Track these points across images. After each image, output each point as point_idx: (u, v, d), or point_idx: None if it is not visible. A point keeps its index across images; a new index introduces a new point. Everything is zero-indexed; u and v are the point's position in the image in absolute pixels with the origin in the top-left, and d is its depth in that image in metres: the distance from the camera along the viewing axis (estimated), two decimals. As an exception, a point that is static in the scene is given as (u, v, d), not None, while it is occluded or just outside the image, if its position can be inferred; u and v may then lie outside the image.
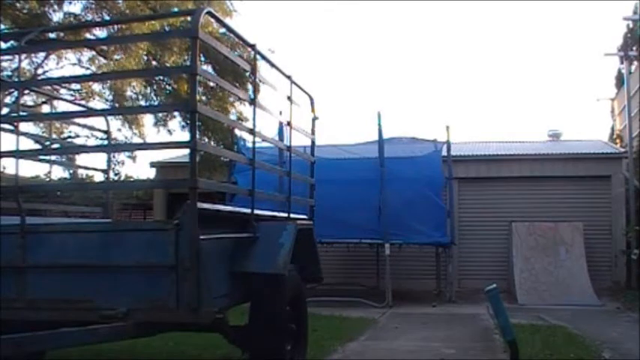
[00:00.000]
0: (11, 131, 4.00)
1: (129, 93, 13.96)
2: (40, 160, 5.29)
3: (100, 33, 11.74)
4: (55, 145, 8.90)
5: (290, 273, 4.25)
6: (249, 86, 9.71)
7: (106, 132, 5.62)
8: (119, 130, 15.08)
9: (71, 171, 16.88)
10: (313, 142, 5.78)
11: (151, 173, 15.96)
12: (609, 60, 27.66)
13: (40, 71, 14.37)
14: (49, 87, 8.15)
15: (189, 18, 3.61)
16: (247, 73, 8.53)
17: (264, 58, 4.27)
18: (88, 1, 12.81)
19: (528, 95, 45.33)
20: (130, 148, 16.62)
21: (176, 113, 13.75)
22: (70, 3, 13.04)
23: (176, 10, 12.18)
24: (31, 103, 12.51)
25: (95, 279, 3.47)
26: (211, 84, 12.19)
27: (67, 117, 6.28)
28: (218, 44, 3.87)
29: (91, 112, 5.89)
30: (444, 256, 11.59)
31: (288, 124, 4.87)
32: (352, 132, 39.09)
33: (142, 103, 14.19)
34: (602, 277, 12.08)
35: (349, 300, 10.08)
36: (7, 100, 9.88)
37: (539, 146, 15.12)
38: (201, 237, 3.27)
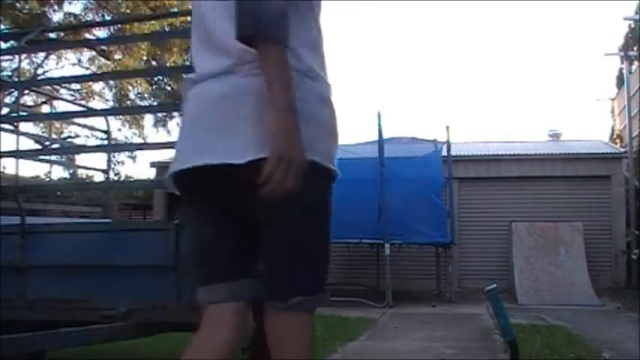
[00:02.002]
0: (11, 131, 4.00)
1: (132, 94, 14.00)
2: (40, 160, 5.29)
3: (100, 33, 11.76)
4: (55, 145, 8.92)
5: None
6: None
7: (106, 132, 5.62)
8: (119, 130, 15.11)
9: (71, 171, 16.90)
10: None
11: (151, 173, 15.97)
12: (609, 60, 27.70)
13: (40, 71, 14.39)
14: (49, 87, 8.17)
15: (189, 18, 3.60)
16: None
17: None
18: (88, 1, 12.84)
19: (528, 95, 45.35)
20: (130, 148, 16.64)
21: (176, 113, 13.77)
22: (70, 3, 13.10)
23: (176, 10, 12.19)
24: (31, 103, 12.53)
25: (95, 279, 3.47)
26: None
27: (67, 117, 6.27)
28: (218, 44, 3.86)
29: (91, 112, 5.89)
30: (444, 256, 11.59)
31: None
32: (352, 132, 39.09)
33: (142, 103, 14.21)
34: (602, 277, 12.07)
35: (349, 300, 10.07)
36: (7, 100, 9.90)
37: (539, 146, 15.12)
38: (202, 237, 3.26)
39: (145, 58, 12.99)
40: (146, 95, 13.93)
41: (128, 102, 14.21)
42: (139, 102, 14.25)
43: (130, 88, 13.98)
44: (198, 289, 1.66)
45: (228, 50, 1.51)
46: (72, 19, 12.55)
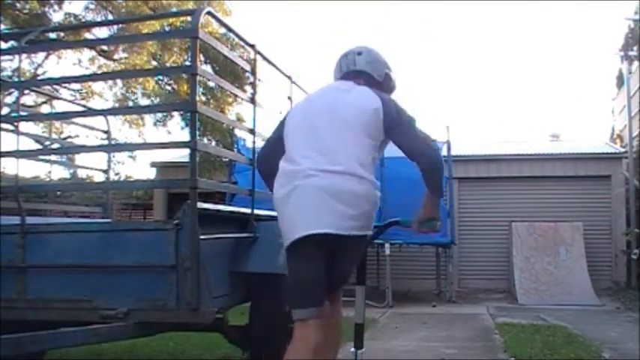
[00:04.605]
0: (11, 131, 4.00)
1: (138, 93, 13.99)
2: (40, 160, 5.29)
3: (100, 33, 11.76)
4: (55, 145, 8.90)
5: (290, 273, 4.24)
6: (249, 86, 9.73)
7: (106, 132, 5.62)
8: (119, 130, 15.10)
9: (71, 171, 16.91)
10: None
11: (151, 173, 15.97)
12: (609, 60, 27.66)
13: (40, 71, 14.38)
14: (49, 87, 8.15)
15: (189, 18, 3.60)
16: (247, 73, 8.56)
17: (264, 58, 4.27)
18: (88, 1, 12.82)
19: (529, 95, 45.37)
20: (130, 148, 16.63)
21: (176, 113, 13.77)
22: (70, 3, 13.09)
23: (176, 10, 12.19)
24: (31, 103, 12.52)
25: (95, 279, 3.47)
26: (211, 84, 12.20)
27: (67, 117, 6.26)
28: (218, 44, 3.87)
29: (91, 112, 5.88)
30: (444, 256, 11.58)
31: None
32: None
33: (142, 103, 14.20)
34: (602, 277, 12.07)
35: (349, 300, 10.06)
36: (7, 100, 9.90)
37: (539, 146, 15.12)
38: (201, 237, 3.27)
39: (145, 58, 12.98)
40: (149, 95, 13.91)
41: (131, 102, 14.20)
42: (141, 101, 14.25)
43: (135, 88, 13.96)
44: (297, 309, 2.66)
45: (337, 160, 2.68)
46: (72, 19, 12.53)
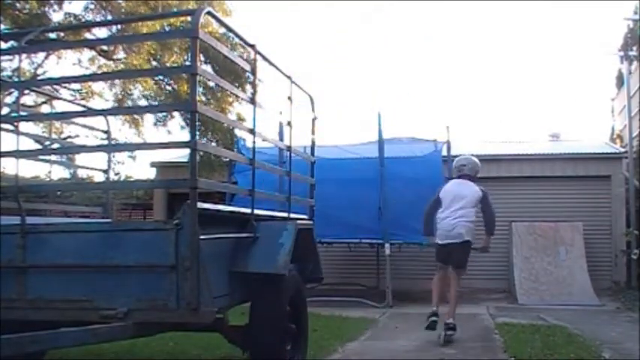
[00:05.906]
0: (11, 131, 3.99)
1: (136, 93, 13.96)
2: (40, 160, 5.29)
3: (100, 33, 11.75)
4: (55, 145, 8.90)
5: (290, 273, 4.25)
6: (249, 86, 9.72)
7: (106, 132, 5.62)
8: (119, 130, 15.10)
9: (71, 171, 16.90)
10: (313, 142, 5.78)
11: (151, 173, 15.96)
12: (609, 60, 27.65)
13: (40, 71, 14.38)
14: (49, 87, 8.14)
15: (189, 18, 3.60)
16: (247, 73, 8.54)
17: (264, 58, 4.27)
18: (88, 1, 12.81)
19: (529, 95, 45.35)
20: (130, 148, 16.63)
21: (176, 113, 13.75)
22: (70, 3, 13.04)
23: (176, 10, 12.19)
24: (31, 103, 12.51)
25: (95, 279, 3.47)
26: (211, 84, 12.19)
27: (67, 117, 6.26)
28: (218, 44, 3.87)
29: (91, 112, 5.88)
30: (444, 256, 11.55)
31: (289, 124, 4.87)
32: (352, 132, 39.10)
33: (143, 103, 14.18)
34: (602, 277, 12.06)
35: (349, 300, 10.07)
36: (7, 100, 9.89)
37: (539, 146, 15.11)
38: (201, 237, 3.26)
39: (145, 58, 12.97)
40: (149, 95, 13.89)
41: (129, 102, 14.19)
42: (140, 102, 14.24)
43: (132, 87, 13.95)
44: (438, 263, 7.13)
45: (458, 213, 6.83)
46: (72, 19, 12.52)
